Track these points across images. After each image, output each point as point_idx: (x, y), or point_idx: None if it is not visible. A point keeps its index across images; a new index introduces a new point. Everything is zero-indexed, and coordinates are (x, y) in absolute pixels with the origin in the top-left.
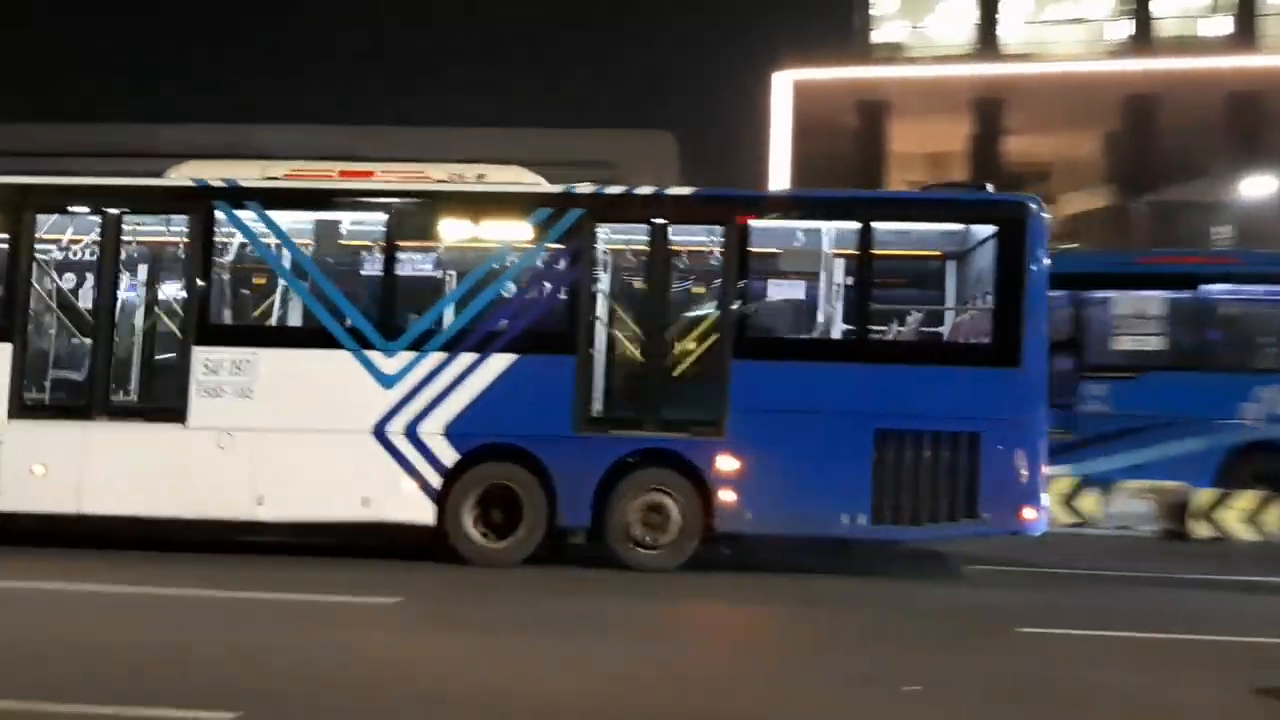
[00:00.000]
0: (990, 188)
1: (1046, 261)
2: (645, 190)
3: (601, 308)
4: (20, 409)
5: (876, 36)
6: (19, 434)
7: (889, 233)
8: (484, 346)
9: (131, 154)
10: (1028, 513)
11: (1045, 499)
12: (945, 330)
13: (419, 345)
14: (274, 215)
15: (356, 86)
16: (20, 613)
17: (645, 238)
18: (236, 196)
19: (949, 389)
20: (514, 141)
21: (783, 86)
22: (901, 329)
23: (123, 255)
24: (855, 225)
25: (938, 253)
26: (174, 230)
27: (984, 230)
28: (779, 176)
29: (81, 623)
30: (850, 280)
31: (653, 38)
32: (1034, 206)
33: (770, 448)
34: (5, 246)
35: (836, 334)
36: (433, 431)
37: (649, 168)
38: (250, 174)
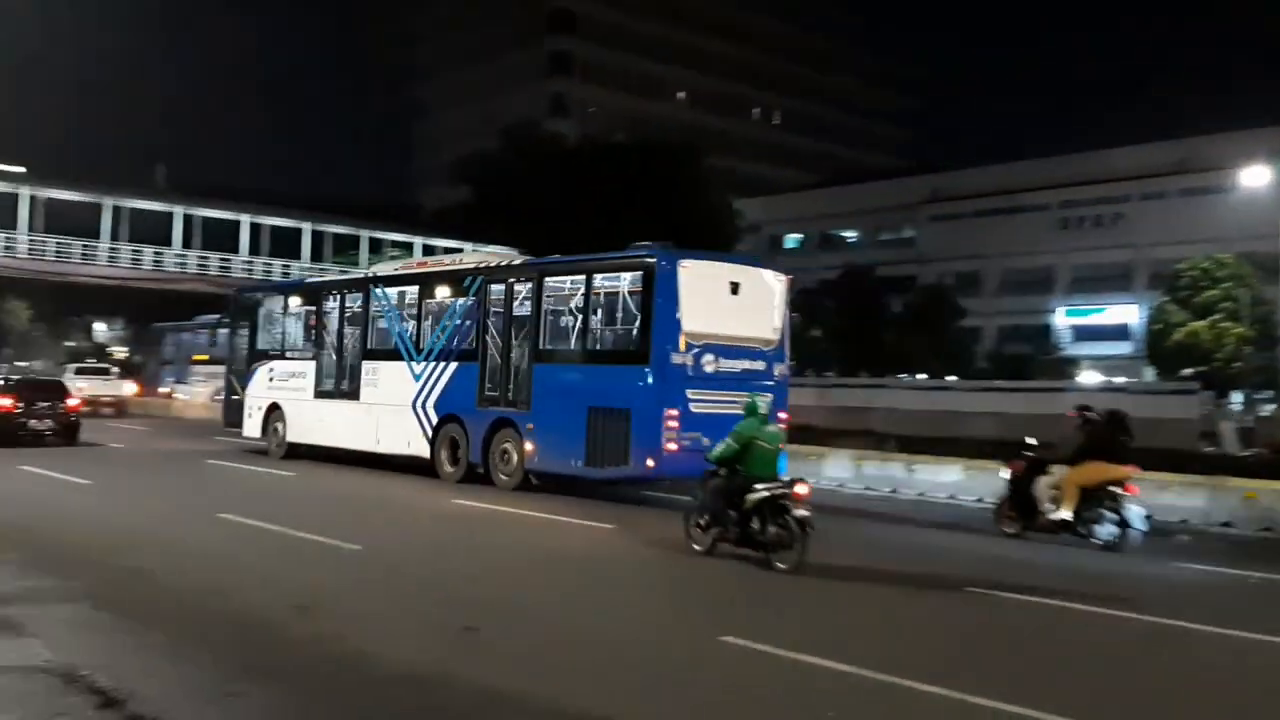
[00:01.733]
0: (647, 244)
1: (671, 295)
2: (502, 261)
3: (488, 334)
4: (315, 394)
5: None
6: (315, 405)
7: (599, 281)
8: (444, 358)
9: None
10: (650, 461)
11: (666, 452)
12: (616, 343)
13: (424, 358)
14: (380, 290)
15: None
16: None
17: (502, 291)
18: (374, 281)
19: (617, 381)
20: None
21: None
22: (598, 344)
23: (345, 314)
24: (582, 277)
25: (615, 290)
26: (357, 300)
27: (633, 275)
28: None
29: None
30: (577, 313)
31: None
32: (657, 259)
33: (545, 418)
34: (305, 313)
35: (571, 347)
36: (428, 406)
37: None
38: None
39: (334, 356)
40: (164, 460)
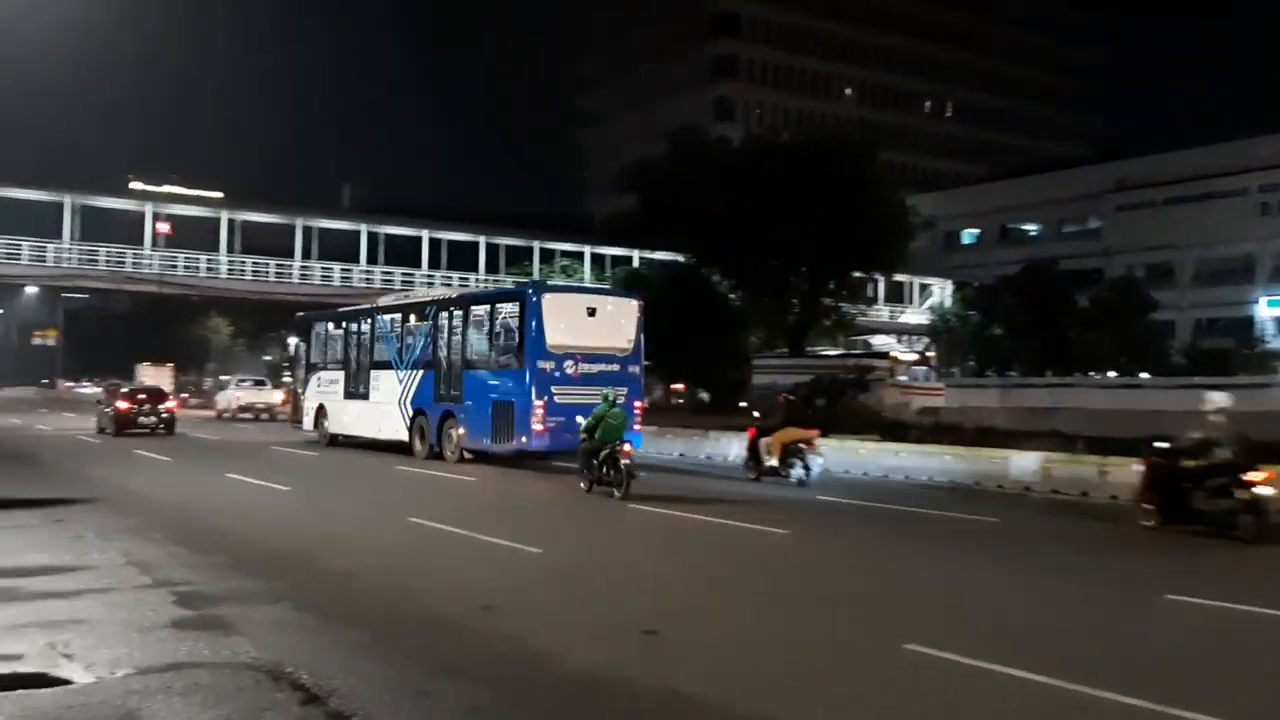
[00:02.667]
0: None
1: (538, 318)
2: (448, 294)
3: (439, 349)
4: (344, 396)
5: None
6: (344, 403)
7: (497, 308)
8: (415, 366)
9: None
10: (524, 439)
11: (535, 433)
12: (507, 354)
13: (406, 366)
14: (379, 317)
15: None
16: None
17: (446, 317)
18: (377, 310)
19: (508, 381)
20: None
21: None
22: (501, 357)
23: (360, 336)
24: (488, 306)
25: (505, 316)
26: (367, 325)
27: (514, 305)
28: None
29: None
30: (485, 332)
31: None
32: (527, 292)
33: (470, 410)
34: (338, 334)
35: (484, 357)
36: (408, 403)
37: None
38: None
39: (355, 367)
40: (350, 465)
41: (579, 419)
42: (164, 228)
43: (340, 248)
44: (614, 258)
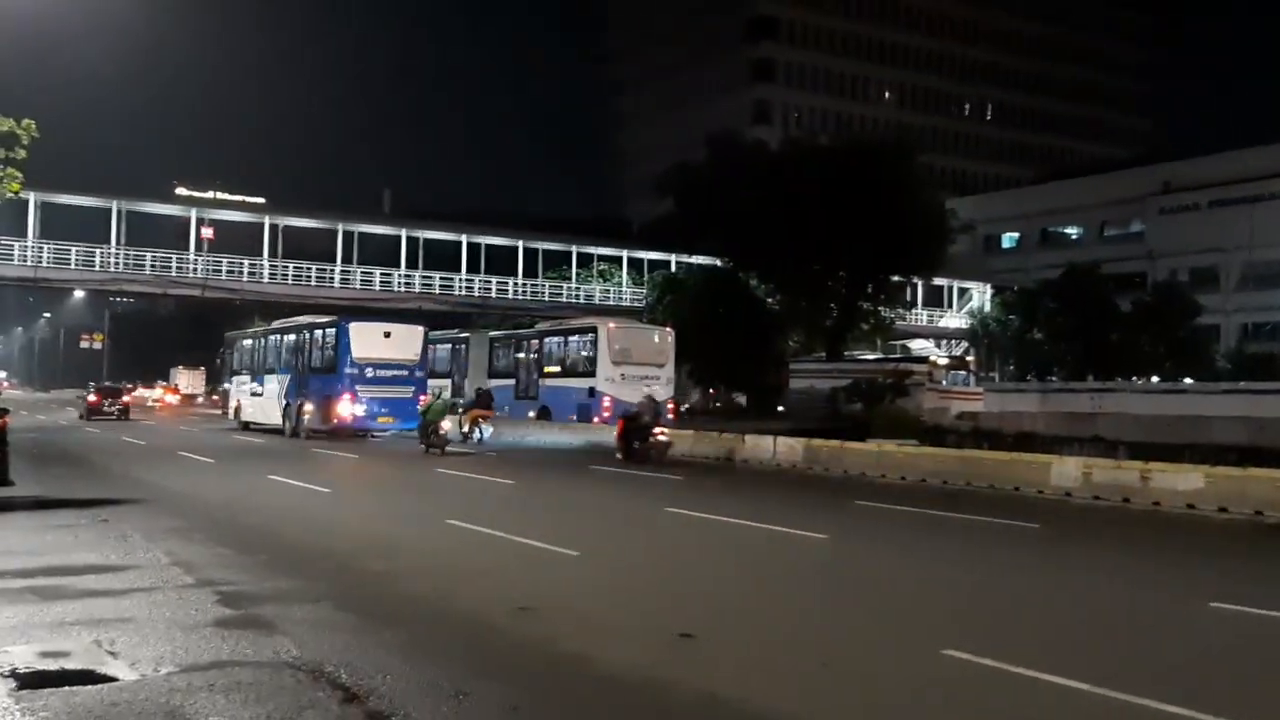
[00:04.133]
0: (337, 316)
1: (346, 340)
2: (303, 321)
3: (298, 359)
4: (250, 394)
5: None
6: (251, 399)
7: (319, 333)
8: (286, 372)
9: None
10: (335, 420)
11: (339, 419)
12: (330, 362)
13: (281, 372)
14: (267, 337)
15: None
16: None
17: (301, 337)
18: (267, 333)
19: (329, 382)
20: None
21: None
22: (326, 365)
23: (258, 350)
24: (321, 330)
25: (324, 337)
26: (262, 343)
27: (332, 330)
28: None
29: None
30: (319, 348)
31: None
32: (340, 323)
33: (313, 401)
34: (248, 347)
35: (319, 366)
36: (282, 397)
37: None
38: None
39: (256, 373)
40: (393, 461)
41: (380, 408)
42: (207, 233)
43: (380, 252)
44: (651, 262)
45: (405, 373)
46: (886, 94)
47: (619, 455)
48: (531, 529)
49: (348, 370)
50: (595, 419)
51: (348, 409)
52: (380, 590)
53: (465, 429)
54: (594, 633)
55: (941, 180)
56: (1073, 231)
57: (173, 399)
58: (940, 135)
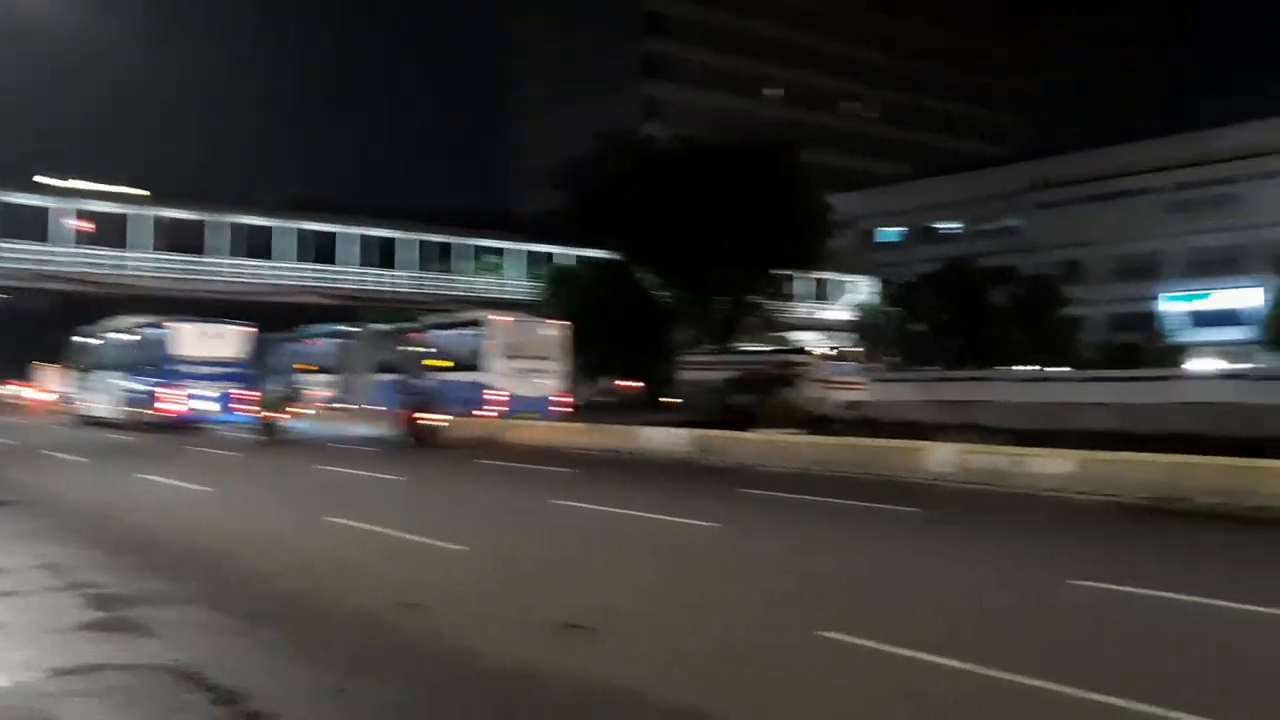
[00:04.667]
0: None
1: (172, 341)
2: (131, 322)
3: (131, 357)
4: (84, 389)
5: None
6: (88, 394)
7: (154, 333)
8: (121, 368)
9: None
10: (163, 410)
11: (162, 413)
12: (156, 359)
13: (117, 368)
14: (109, 335)
15: None
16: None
17: (137, 337)
18: (105, 331)
19: (160, 377)
20: None
21: None
22: (153, 362)
23: (96, 348)
24: (149, 332)
25: (157, 338)
26: (96, 343)
27: (161, 332)
28: None
29: None
30: (150, 346)
31: None
32: (163, 328)
33: (143, 394)
34: (89, 345)
35: (149, 363)
36: (118, 391)
37: None
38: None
39: (95, 370)
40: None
41: (205, 402)
42: (74, 223)
43: (264, 244)
44: (543, 254)
45: (231, 369)
46: (778, 91)
47: (409, 439)
48: (416, 524)
49: (173, 367)
50: (165, 410)
51: (174, 403)
52: (258, 589)
53: (276, 422)
54: (481, 626)
55: (830, 177)
56: (953, 227)
57: (45, 396)
58: (830, 133)
